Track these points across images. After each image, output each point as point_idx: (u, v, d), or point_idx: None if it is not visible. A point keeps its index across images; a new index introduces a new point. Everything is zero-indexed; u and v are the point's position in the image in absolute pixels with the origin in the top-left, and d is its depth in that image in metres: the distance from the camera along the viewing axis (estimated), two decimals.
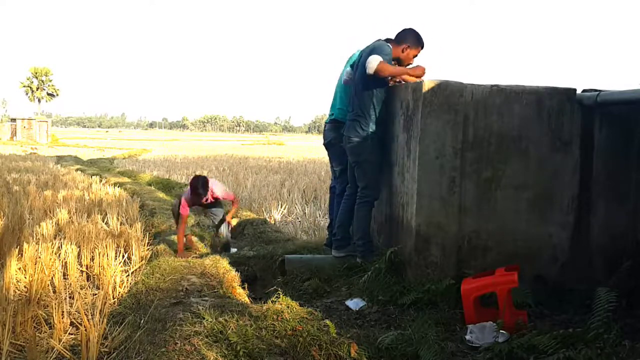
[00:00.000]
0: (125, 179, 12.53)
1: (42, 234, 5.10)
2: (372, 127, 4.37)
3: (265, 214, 7.93)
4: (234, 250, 5.57)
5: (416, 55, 4.47)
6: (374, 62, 4.14)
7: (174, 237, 5.41)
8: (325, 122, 5.10)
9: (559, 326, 3.24)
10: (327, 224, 5.59)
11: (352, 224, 4.66)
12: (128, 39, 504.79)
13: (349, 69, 4.78)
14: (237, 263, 4.74)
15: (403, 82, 4.49)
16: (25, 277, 3.77)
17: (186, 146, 38.03)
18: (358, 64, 4.49)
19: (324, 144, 5.07)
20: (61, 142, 43.76)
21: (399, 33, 4.47)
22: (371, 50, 4.26)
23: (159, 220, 6.37)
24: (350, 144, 4.47)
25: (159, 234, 5.85)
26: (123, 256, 4.31)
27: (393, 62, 4.38)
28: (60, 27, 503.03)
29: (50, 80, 68.27)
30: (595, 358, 2.57)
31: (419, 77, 4.30)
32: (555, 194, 3.94)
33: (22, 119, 46.04)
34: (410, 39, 4.42)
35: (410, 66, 4.45)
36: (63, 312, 3.08)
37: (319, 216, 7.58)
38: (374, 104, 4.35)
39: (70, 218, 6.03)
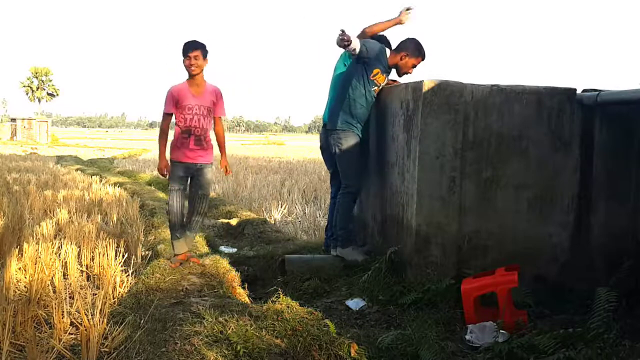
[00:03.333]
0: (125, 179, 12.52)
1: (42, 234, 5.09)
2: (346, 120, 4.48)
3: (265, 213, 7.93)
4: (233, 250, 5.56)
5: (415, 65, 4.53)
6: (354, 42, 4.21)
7: None
8: (321, 126, 5.11)
9: (559, 326, 3.23)
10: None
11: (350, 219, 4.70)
12: (128, 39, 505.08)
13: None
14: (237, 263, 4.74)
15: (398, 83, 4.54)
16: (25, 277, 3.77)
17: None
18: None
19: (320, 148, 5.09)
20: (61, 142, 43.77)
21: (402, 41, 4.52)
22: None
23: (159, 220, 6.35)
24: (332, 135, 4.59)
25: (159, 234, 5.84)
26: (123, 256, 4.31)
27: (389, 70, 4.54)
28: (60, 27, 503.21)
29: (50, 80, 68.25)
30: (595, 358, 2.57)
31: (401, 23, 4.56)
32: (555, 193, 3.94)
33: (22, 119, 46.02)
34: (410, 48, 4.48)
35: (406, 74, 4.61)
36: (63, 312, 3.07)
37: (319, 216, 7.58)
38: (353, 97, 4.44)
39: (70, 218, 6.03)
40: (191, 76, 3.99)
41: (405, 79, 4.62)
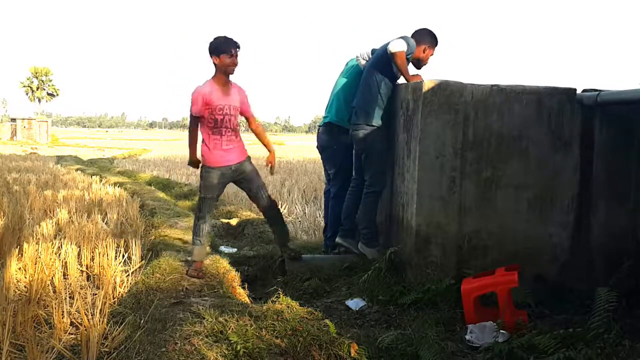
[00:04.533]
0: (125, 179, 12.52)
1: (42, 234, 5.09)
2: (379, 115, 4.35)
3: None
4: (233, 250, 5.55)
5: (432, 55, 4.48)
6: (398, 45, 4.13)
7: (174, 236, 5.38)
8: (319, 126, 5.07)
9: (559, 326, 3.24)
10: None
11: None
12: (128, 39, 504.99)
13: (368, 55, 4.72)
14: (237, 263, 4.74)
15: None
16: (25, 277, 3.77)
17: (186, 146, 37.92)
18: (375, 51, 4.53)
19: (318, 147, 5.04)
20: (61, 142, 43.77)
21: (416, 33, 4.42)
22: (400, 37, 4.24)
23: (159, 220, 6.35)
24: (356, 132, 4.43)
25: (159, 234, 5.84)
26: (123, 256, 4.31)
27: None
28: (60, 27, 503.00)
29: (50, 80, 68.16)
30: (595, 358, 2.58)
31: None
32: (555, 193, 3.95)
33: (22, 119, 46.02)
34: (429, 39, 4.43)
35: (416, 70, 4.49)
36: (63, 312, 3.08)
37: (319, 216, 7.56)
38: (382, 93, 4.33)
39: (70, 218, 6.03)
40: (227, 75, 3.86)
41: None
